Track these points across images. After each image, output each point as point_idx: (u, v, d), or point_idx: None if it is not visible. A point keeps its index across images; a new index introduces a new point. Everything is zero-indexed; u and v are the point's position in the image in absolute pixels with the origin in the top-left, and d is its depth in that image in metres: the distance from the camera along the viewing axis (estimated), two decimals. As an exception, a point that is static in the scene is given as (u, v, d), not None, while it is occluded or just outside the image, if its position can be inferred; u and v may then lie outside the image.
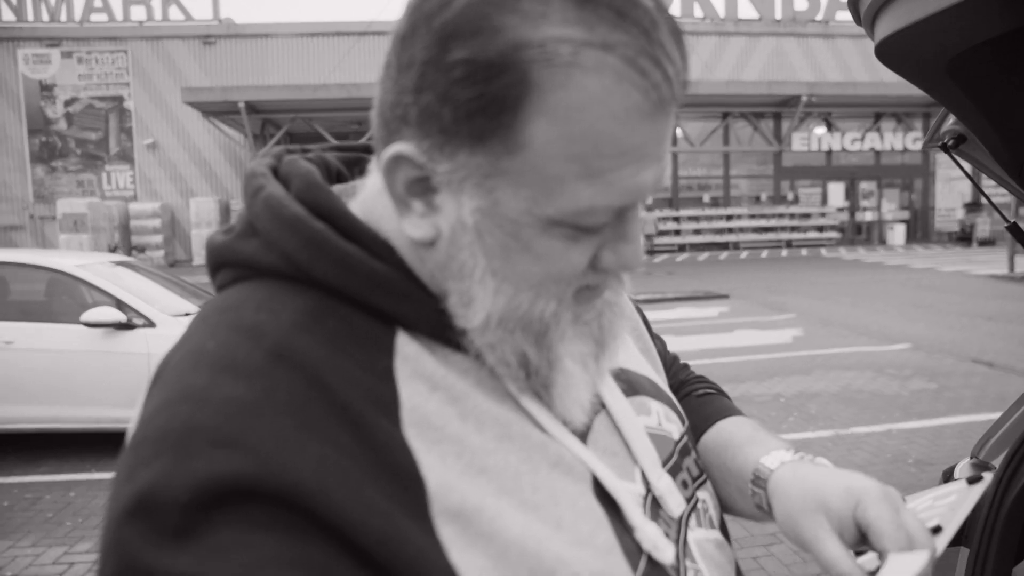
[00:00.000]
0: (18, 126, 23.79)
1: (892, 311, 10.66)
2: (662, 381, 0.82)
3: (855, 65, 25.60)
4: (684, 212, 24.34)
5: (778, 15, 25.55)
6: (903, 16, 1.38)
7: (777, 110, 24.37)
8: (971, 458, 1.82)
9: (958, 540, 1.69)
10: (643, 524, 0.60)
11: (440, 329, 0.58)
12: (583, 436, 0.64)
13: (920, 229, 26.46)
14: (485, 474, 0.54)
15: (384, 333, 0.57)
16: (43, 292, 5.61)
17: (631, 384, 0.73)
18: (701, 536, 0.69)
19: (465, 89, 0.50)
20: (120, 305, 5.13)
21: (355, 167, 0.73)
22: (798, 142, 24.78)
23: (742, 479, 0.75)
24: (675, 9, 25.19)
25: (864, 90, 22.71)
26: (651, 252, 23.43)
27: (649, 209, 23.89)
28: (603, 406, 0.68)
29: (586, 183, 0.52)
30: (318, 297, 0.57)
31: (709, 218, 24.49)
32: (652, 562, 0.60)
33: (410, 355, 0.57)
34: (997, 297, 11.83)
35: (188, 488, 0.46)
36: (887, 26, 1.45)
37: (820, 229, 24.92)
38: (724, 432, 0.81)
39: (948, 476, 1.84)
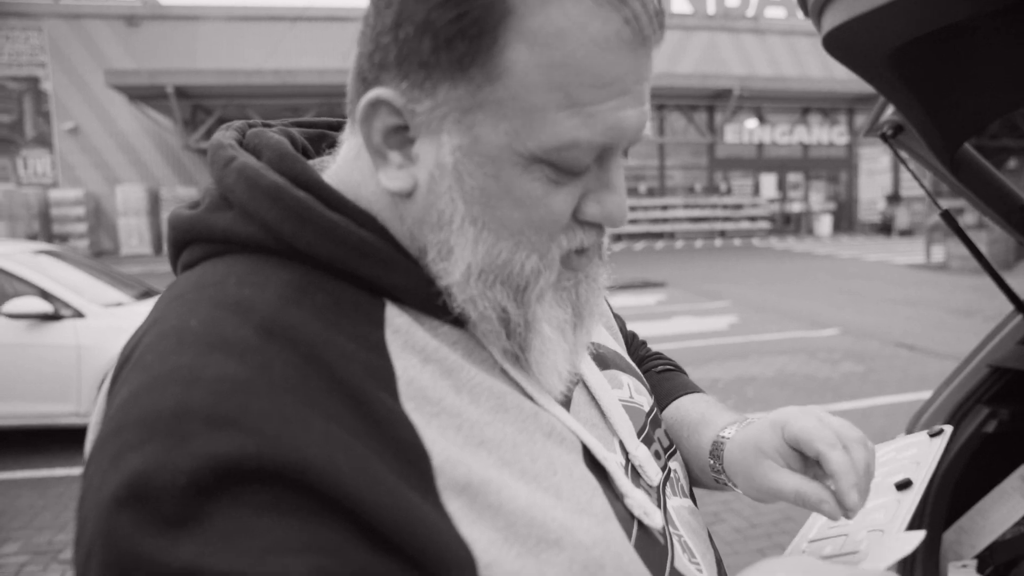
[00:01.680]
0: (-76, 108, 22.37)
1: (822, 298, 11.07)
2: (627, 355, 0.84)
3: (784, 61, 26.37)
4: (621, 202, 24.65)
5: (711, 10, 26.08)
6: (848, 9, 1.43)
7: (710, 103, 24.92)
8: (906, 433, 1.91)
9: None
10: (632, 491, 0.61)
11: (431, 299, 0.57)
12: (566, 407, 0.64)
13: (845, 220, 27.52)
14: (484, 446, 0.54)
15: (373, 305, 0.56)
16: (-42, 283, 5.31)
17: (603, 358, 0.74)
18: (677, 504, 0.71)
19: (445, 12, 0.49)
20: (45, 295, 4.90)
21: (320, 143, 0.71)
22: (731, 134, 25.42)
23: (700, 459, 0.78)
24: (612, 1, 25.43)
25: (793, 85, 23.45)
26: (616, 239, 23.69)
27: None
28: (581, 379, 0.68)
29: (568, 114, 0.51)
30: (302, 270, 0.55)
31: (645, 208, 24.91)
32: (643, 528, 0.61)
33: (400, 327, 0.55)
34: (916, 284, 12.42)
35: (185, 471, 0.43)
36: (833, 18, 1.50)
37: (752, 219, 25.64)
38: (681, 410, 0.83)
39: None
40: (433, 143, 0.54)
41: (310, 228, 0.54)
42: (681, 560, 0.64)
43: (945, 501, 1.72)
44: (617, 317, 0.95)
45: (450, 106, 0.52)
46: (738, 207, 25.63)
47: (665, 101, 24.62)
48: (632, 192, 25.55)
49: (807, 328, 8.74)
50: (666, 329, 8.94)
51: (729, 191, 26.05)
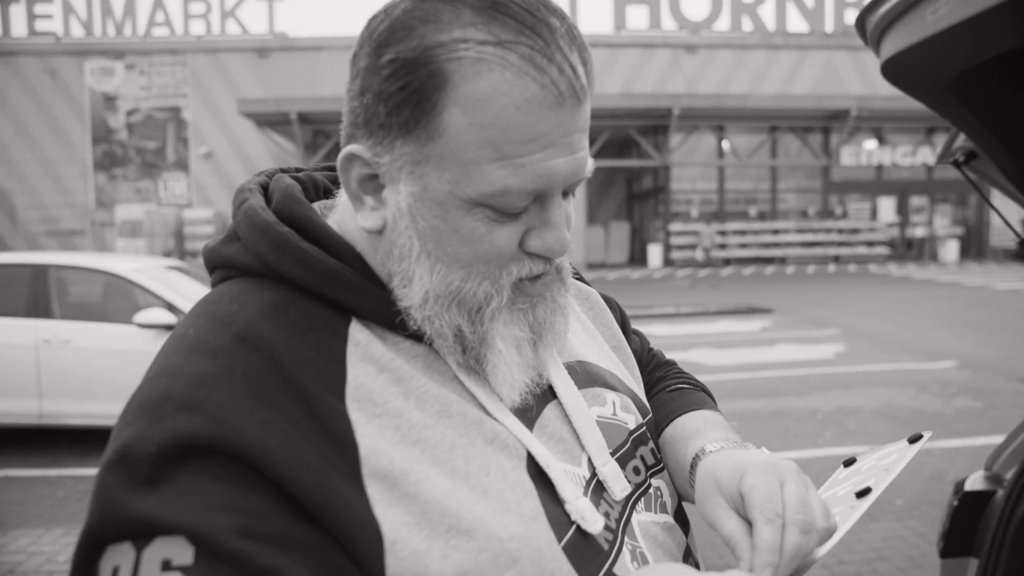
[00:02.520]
0: (82, 135, 24.80)
1: (940, 328, 10.40)
2: (630, 377, 0.88)
3: (909, 78, 24.99)
4: (730, 226, 24.06)
5: (829, 28, 25.16)
6: (908, 35, 1.43)
7: (826, 124, 23.96)
8: (984, 471, 1.83)
9: (965, 549, 1.70)
10: (574, 498, 0.67)
11: (391, 318, 0.67)
12: (531, 421, 0.71)
13: (974, 245, 25.67)
14: (419, 445, 0.63)
15: (340, 322, 0.66)
16: (100, 294, 5.88)
17: (590, 375, 0.81)
18: (648, 519, 0.75)
19: (392, 84, 0.60)
20: (171, 308, 5.36)
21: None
22: (847, 156, 24.32)
23: (683, 470, 0.80)
24: (724, 23, 25.04)
25: (917, 104, 22.11)
26: (709, 264, 23.23)
27: (707, 223, 23.74)
28: (555, 395, 0.75)
29: (498, 166, 0.60)
30: (284, 291, 0.66)
31: (755, 232, 24.17)
32: (582, 533, 0.67)
33: (361, 341, 0.66)
34: (1053, 317, 11.44)
35: (157, 443, 0.55)
36: (892, 45, 1.50)
37: (869, 244, 24.36)
38: (678, 426, 0.86)
39: (959, 488, 1.85)
40: (394, 190, 0.65)
41: (288, 257, 0.66)
42: (625, 566, 0.68)
43: None
44: (636, 335, 1.00)
45: (404, 160, 0.63)
46: (854, 231, 24.43)
47: (778, 123, 23.89)
48: (742, 216, 24.87)
49: (920, 360, 8.24)
50: (768, 356, 8.66)
51: (845, 215, 24.90)
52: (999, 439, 5.38)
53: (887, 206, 25.26)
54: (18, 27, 25.15)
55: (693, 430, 0.82)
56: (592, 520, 0.67)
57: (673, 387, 0.96)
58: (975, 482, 1.76)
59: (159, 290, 5.49)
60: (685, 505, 0.84)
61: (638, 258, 25.85)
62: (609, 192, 27.63)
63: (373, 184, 0.66)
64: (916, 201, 25.44)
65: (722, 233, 24.05)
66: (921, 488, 4.41)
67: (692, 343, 9.69)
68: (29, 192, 24.86)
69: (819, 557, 0.65)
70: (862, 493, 0.71)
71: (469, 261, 0.64)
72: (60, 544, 3.88)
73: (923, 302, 13.56)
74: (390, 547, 0.58)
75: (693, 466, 0.76)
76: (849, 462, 0.84)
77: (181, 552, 0.53)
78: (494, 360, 0.67)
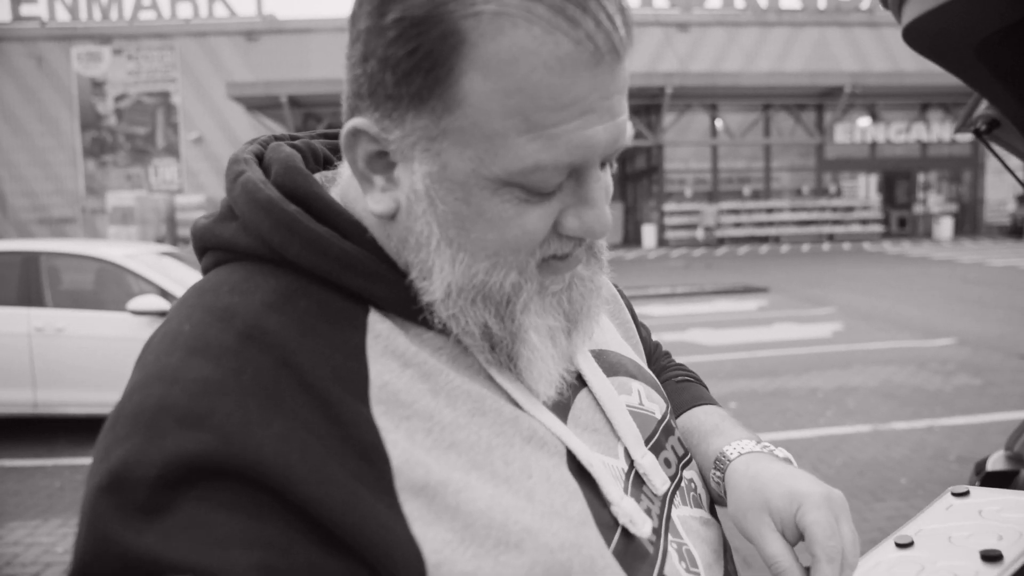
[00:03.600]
0: (71, 121, 24.53)
1: (937, 306, 10.41)
2: (644, 364, 0.83)
3: (902, 54, 24.92)
4: (724, 205, 24.03)
5: (821, 4, 25.01)
6: (930, -1, 1.37)
7: (819, 101, 23.88)
8: (1006, 450, 1.80)
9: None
10: (619, 499, 0.61)
11: (412, 308, 0.59)
12: (564, 412, 0.65)
13: (969, 222, 25.71)
14: (455, 448, 0.55)
15: (356, 312, 0.58)
16: (92, 281, 5.80)
17: (612, 365, 0.74)
18: (686, 514, 0.70)
19: (400, 48, 0.51)
20: (164, 294, 5.29)
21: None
22: (841, 134, 24.26)
23: (705, 467, 0.76)
24: (716, 0, 24.84)
25: (911, 80, 22.12)
26: (719, 242, 23.22)
27: (709, 202, 23.70)
28: (584, 384, 0.69)
29: (528, 138, 0.51)
30: (292, 278, 0.58)
31: (749, 211, 24.14)
32: (627, 535, 0.61)
33: (382, 333, 0.58)
34: (1049, 292, 11.47)
35: (156, 465, 0.47)
36: (915, 8, 1.44)
37: (863, 223, 24.39)
38: (694, 419, 0.82)
39: (980, 468, 1.81)
40: (408, 169, 0.56)
41: (297, 239, 0.57)
42: (674, 567, 0.63)
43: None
44: (642, 326, 0.95)
45: (417, 135, 0.54)
46: (848, 210, 24.44)
47: (771, 101, 23.79)
48: (736, 195, 24.85)
49: (919, 337, 8.24)
50: (766, 336, 8.65)
51: (838, 193, 24.89)
52: (1001, 416, 5.37)
53: (881, 183, 25.26)
54: (2, 12, 24.78)
55: (712, 426, 0.79)
56: (640, 522, 0.61)
57: (681, 378, 0.94)
58: (997, 462, 1.72)
59: (152, 276, 5.41)
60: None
61: (632, 239, 25.82)
62: (603, 173, 27.47)
63: (383, 162, 0.57)
64: (911, 178, 25.44)
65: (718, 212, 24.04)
66: (925, 466, 4.40)
67: (689, 323, 9.67)
68: (18, 180, 24.61)
69: None
70: (991, 557, 0.62)
71: (496, 249, 0.56)
72: (57, 535, 3.83)
73: (919, 279, 13.57)
74: (434, 571, 0.51)
75: (719, 467, 0.73)
76: (960, 493, 0.75)
77: None
78: (528, 355, 0.59)
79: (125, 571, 0.47)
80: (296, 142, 0.70)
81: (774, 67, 24.69)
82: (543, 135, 0.51)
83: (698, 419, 0.82)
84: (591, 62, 0.51)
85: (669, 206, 23.94)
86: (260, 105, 21.74)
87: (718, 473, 0.73)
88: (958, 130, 1.84)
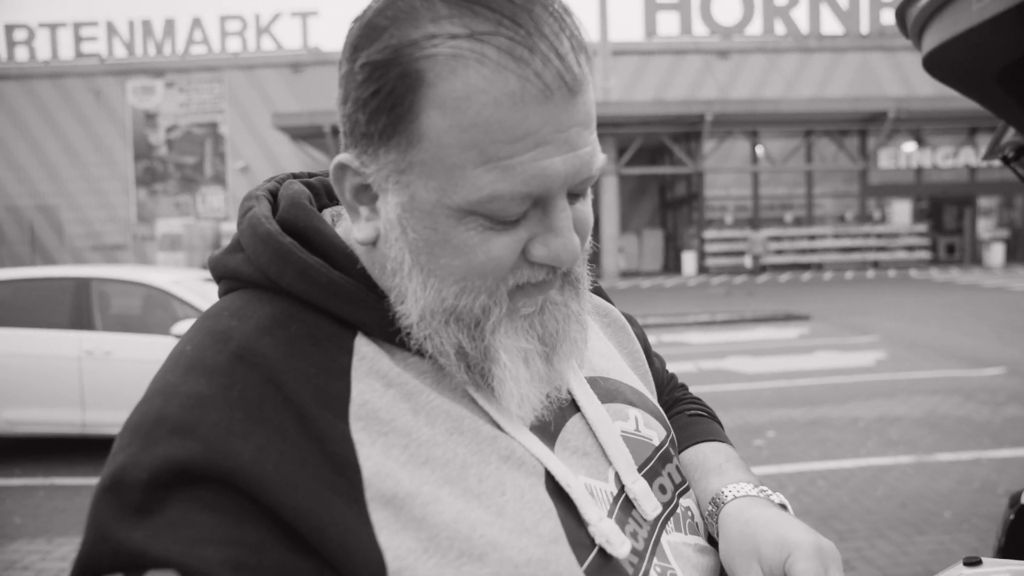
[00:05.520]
0: (124, 152, 25.47)
1: (986, 334, 10.10)
2: (650, 393, 0.84)
3: (948, 78, 24.46)
4: (766, 232, 23.74)
5: (864, 30, 24.77)
6: (952, 26, 1.38)
7: (863, 127, 23.55)
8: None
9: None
10: (597, 520, 0.63)
11: (396, 334, 0.63)
12: (553, 435, 0.67)
13: (1021, 249, 24.95)
14: (429, 464, 0.59)
15: (344, 336, 0.63)
16: (140, 306, 6.00)
17: (609, 392, 0.76)
18: (678, 540, 0.71)
19: (367, 89, 0.57)
20: (208, 318, 5.43)
21: None
22: (885, 159, 23.85)
23: (703, 505, 0.77)
24: (756, 27, 24.81)
25: (958, 103, 21.66)
26: (762, 270, 22.95)
27: (755, 228, 23.47)
28: (577, 409, 0.71)
29: (484, 169, 0.55)
30: (287, 304, 0.63)
31: (791, 238, 23.80)
32: (605, 556, 0.63)
33: (367, 355, 0.62)
34: (1106, 321, 11.05)
35: (148, 469, 0.53)
36: (934, 38, 1.45)
37: (909, 249, 23.85)
38: (699, 455, 0.83)
39: (1015, 500, 1.77)
40: (384, 200, 0.61)
41: (291, 269, 0.63)
42: None
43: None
44: (656, 356, 0.96)
45: (389, 168, 0.59)
46: (893, 236, 23.92)
47: (813, 127, 23.55)
48: (777, 222, 24.54)
49: (966, 367, 8.00)
50: (807, 364, 8.49)
51: (883, 219, 24.39)
52: (1052, 449, 5.14)
53: (927, 210, 24.67)
54: (65, 49, 25.98)
55: (716, 464, 0.80)
56: (618, 543, 0.63)
57: (693, 412, 0.94)
58: (1034, 494, 1.68)
59: (196, 301, 5.58)
60: None
61: (672, 266, 25.64)
62: (642, 200, 27.46)
63: (368, 194, 0.62)
64: (958, 205, 24.79)
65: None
66: (971, 499, 4.26)
67: (728, 351, 9.55)
68: (75, 208, 25.59)
69: None
70: None
71: (464, 274, 0.59)
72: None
73: (967, 307, 13.19)
74: None
75: (716, 507, 0.74)
76: (973, 562, 0.75)
77: None
78: (500, 375, 0.62)
79: (117, 564, 0.52)
80: (312, 179, 0.76)
81: (816, 93, 24.48)
82: (498, 166, 0.55)
83: (703, 455, 0.83)
84: (541, 97, 0.55)
85: (709, 233, 23.75)
86: (304, 135, 22.30)
87: (713, 512, 0.75)
88: (986, 157, 1.83)
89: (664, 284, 20.60)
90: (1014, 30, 1.27)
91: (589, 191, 0.64)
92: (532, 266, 0.61)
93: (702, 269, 23.58)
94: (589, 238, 0.66)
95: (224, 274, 0.69)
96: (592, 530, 0.63)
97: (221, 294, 0.69)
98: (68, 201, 25.59)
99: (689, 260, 23.49)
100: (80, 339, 5.52)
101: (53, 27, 26.04)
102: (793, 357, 8.97)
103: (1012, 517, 1.72)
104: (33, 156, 25.61)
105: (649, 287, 19.82)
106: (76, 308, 5.65)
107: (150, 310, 5.91)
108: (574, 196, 0.61)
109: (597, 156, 0.60)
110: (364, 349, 0.63)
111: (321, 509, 0.54)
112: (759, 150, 24.60)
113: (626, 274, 24.21)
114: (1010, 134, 1.76)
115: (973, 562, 0.74)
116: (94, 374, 5.45)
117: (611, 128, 21.42)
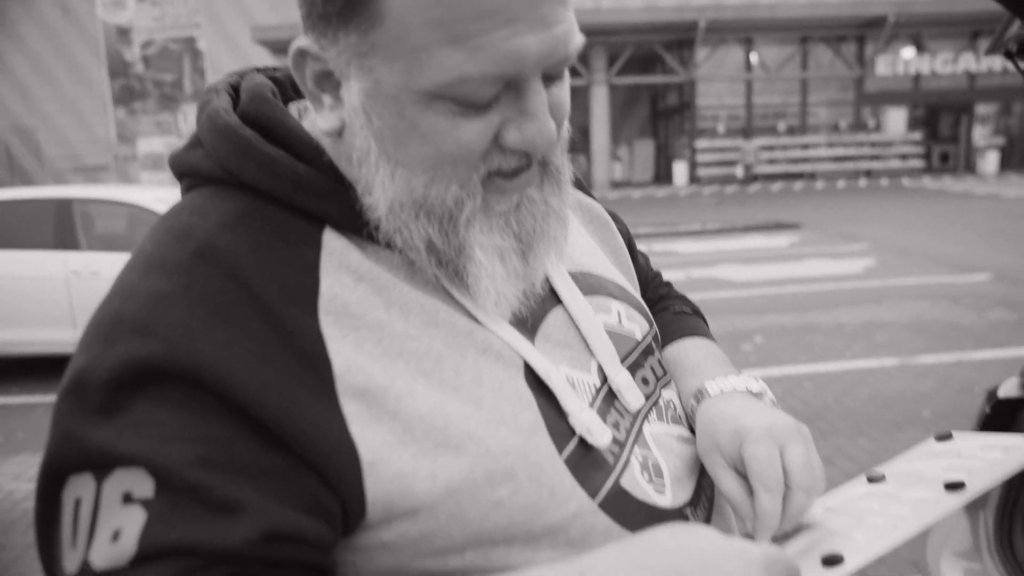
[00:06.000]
0: (99, 70, 24.64)
1: (976, 241, 10.14)
2: (633, 288, 0.83)
3: (950, -22, 23.71)
4: (758, 141, 23.43)
5: (865, -73, 23.77)
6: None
7: (861, 32, 22.91)
8: (1020, 377, 1.77)
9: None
10: (578, 410, 0.62)
11: (366, 226, 0.61)
12: (533, 328, 0.66)
13: (1017, 156, 24.76)
14: (403, 358, 0.58)
15: (312, 230, 0.60)
16: (124, 226, 5.93)
17: (592, 285, 0.75)
18: (661, 430, 0.71)
19: None
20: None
21: None
22: (883, 66, 23.29)
23: (686, 400, 0.77)
24: (752, -76, 23.74)
25: (961, 7, 21.03)
26: (754, 180, 22.81)
27: (748, 138, 23.18)
28: (559, 301, 0.70)
29: (452, 50, 0.51)
30: (249, 200, 0.60)
31: (784, 147, 23.54)
32: (585, 446, 0.62)
33: (336, 249, 0.60)
34: (1095, 226, 11.09)
35: (109, 369, 0.52)
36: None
37: (903, 158, 23.65)
38: (680, 352, 0.82)
39: (992, 396, 1.79)
40: (348, 87, 0.57)
41: (252, 162, 0.60)
42: (634, 478, 0.65)
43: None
44: (641, 254, 0.95)
45: (350, 52, 0.55)
46: (888, 145, 23.67)
47: (809, 33, 22.90)
48: (770, 131, 24.21)
49: (954, 273, 8.06)
50: (796, 271, 8.54)
51: (878, 127, 24.08)
52: (1035, 349, 5.23)
53: (923, 117, 24.32)
54: (26, -40, 24.73)
55: (694, 362, 0.80)
56: (598, 433, 0.63)
57: (678, 309, 0.94)
58: (1009, 389, 1.70)
59: (181, 219, 5.51)
60: None
61: (664, 176, 25.41)
62: (633, 110, 26.94)
63: (330, 81, 0.58)
64: (955, 112, 24.44)
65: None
66: (950, 399, 4.37)
67: (718, 259, 9.58)
68: (52, 130, 24.95)
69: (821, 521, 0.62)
70: (954, 486, 0.62)
71: (433, 163, 0.56)
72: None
73: (958, 215, 13.20)
74: (368, 469, 0.54)
75: (697, 402, 0.75)
76: (943, 436, 0.75)
77: (141, 485, 0.50)
78: (474, 272, 0.60)
79: (83, 463, 0.51)
80: (276, 72, 0.72)
81: (812, -4, 23.70)
82: (467, 46, 0.51)
83: (684, 352, 0.82)
84: None
85: (701, 143, 23.45)
86: (285, 48, 21.46)
87: (695, 408, 0.75)
88: (989, 51, 1.75)
89: (655, 194, 20.48)
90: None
91: (567, 73, 0.60)
92: (505, 153, 0.57)
93: (693, 179, 23.40)
94: (567, 125, 0.63)
95: (184, 171, 0.66)
96: (572, 420, 0.62)
97: (183, 192, 0.66)
98: (45, 122, 24.91)
99: (680, 170, 23.27)
100: (66, 260, 5.48)
101: (14, -64, 24.72)
102: (783, 265, 9.02)
103: (988, 411, 1.75)
104: (2, 76, 24.79)
105: (640, 197, 19.70)
106: (59, 229, 5.59)
107: (135, 229, 5.84)
108: (549, 79, 0.57)
109: (574, 35, 0.55)
110: (333, 243, 0.60)
111: (291, 404, 0.53)
112: (753, 58, 24.00)
113: (617, 184, 24.02)
114: (1015, 27, 1.69)
115: (944, 436, 0.75)
116: (82, 294, 5.43)
117: (601, 36, 20.81)
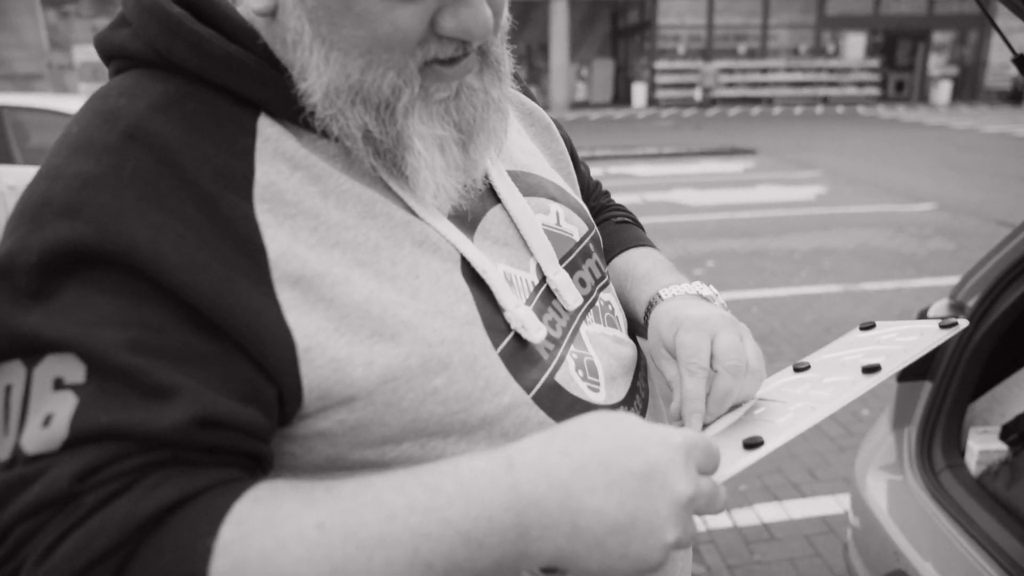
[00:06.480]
0: (27, -34, 22.94)
1: (923, 171, 10.37)
2: (573, 192, 0.83)
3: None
4: (718, 64, 23.24)
5: None
6: None
7: (826, -49, 22.59)
8: (949, 299, 1.86)
9: (920, 374, 1.75)
10: (514, 306, 0.63)
11: (301, 112, 0.59)
12: (472, 225, 0.66)
13: (968, 87, 25.10)
14: (340, 247, 0.57)
15: (246, 116, 0.59)
16: (62, 137, 5.65)
17: (531, 186, 0.75)
18: (597, 330, 0.73)
19: None
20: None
21: None
22: (846, -13, 23.14)
23: (635, 310, 0.79)
24: None
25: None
26: (712, 103, 22.70)
27: (707, 60, 22.93)
28: (498, 201, 0.70)
29: None
30: (181, 82, 0.58)
31: (743, 71, 23.41)
32: (521, 342, 0.63)
33: (271, 136, 0.58)
34: (1036, 157, 11.43)
35: (35, 252, 0.50)
36: None
37: (860, 85, 23.78)
38: (629, 262, 0.84)
39: (922, 316, 1.88)
40: None
41: (181, 42, 0.57)
42: (568, 375, 0.66)
43: (978, 368, 1.68)
44: (582, 163, 0.95)
45: None
46: (846, 71, 23.73)
47: (774, -50, 22.48)
48: (730, 54, 23.99)
49: (901, 202, 8.27)
50: (749, 197, 8.65)
51: (836, 53, 24.06)
52: (969, 276, 5.45)
53: (881, 43, 24.35)
54: None
55: (644, 271, 0.82)
56: (533, 329, 0.64)
57: (620, 219, 0.94)
58: (938, 310, 1.78)
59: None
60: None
61: (622, 98, 25.14)
62: (592, 28, 26.32)
63: None
64: (910, 37, 24.50)
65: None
66: (889, 323, 4.55)
67: (674, 183, 9.63)
68: (-23, 31, 23.33)
69: (765, 400, 0.64)
70: (870, 369, 0.65)
71: (368, 47, 0.55)
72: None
73: (909, 145, 13.43)
74: (304, 355, 0.54)
75: (648, 311, 0.77)
76: (867, 326, 0.78)
77: (72, 370, 0.49)
78: (413, 163, 0.60)
79: (13, 349, 0.50)
80: None
81: (779, -88, 23.11)
82: None
83: (633, 262, 0.84)
84: None
85: (661, 64, 23.16)
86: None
87: (647, 317, 0.77)
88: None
89: (613, 116, 20.29)
90: None
91: None
92: (442, 40, 0.57)
93: (652, 101, 23.22)
94: (506, 14, 0.62)
95: (112, 52, 0.62)
96: (508, 315, 0.63)
97: (111, 75, 0.63)
98: (-31, 22, 23.28)
99: (639, 92, 23.04)
100: (0, 174, 5.21)
101: None
102: (737, 190, 9.11)
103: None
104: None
105: (598, 119, 19.51)
106: (-9, 140, 5.29)
107: (73, 142, 5.58)
108: None
109: None
110: (268, 130, 0.58)
111: (225, 289, 0.52)
112: (717, -24, 23.53)
113: (576, 105, 23.71)
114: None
115: (867, 326, 0.80)
116: (20, 209, 5.22)
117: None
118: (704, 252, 6.22)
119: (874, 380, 0.64)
